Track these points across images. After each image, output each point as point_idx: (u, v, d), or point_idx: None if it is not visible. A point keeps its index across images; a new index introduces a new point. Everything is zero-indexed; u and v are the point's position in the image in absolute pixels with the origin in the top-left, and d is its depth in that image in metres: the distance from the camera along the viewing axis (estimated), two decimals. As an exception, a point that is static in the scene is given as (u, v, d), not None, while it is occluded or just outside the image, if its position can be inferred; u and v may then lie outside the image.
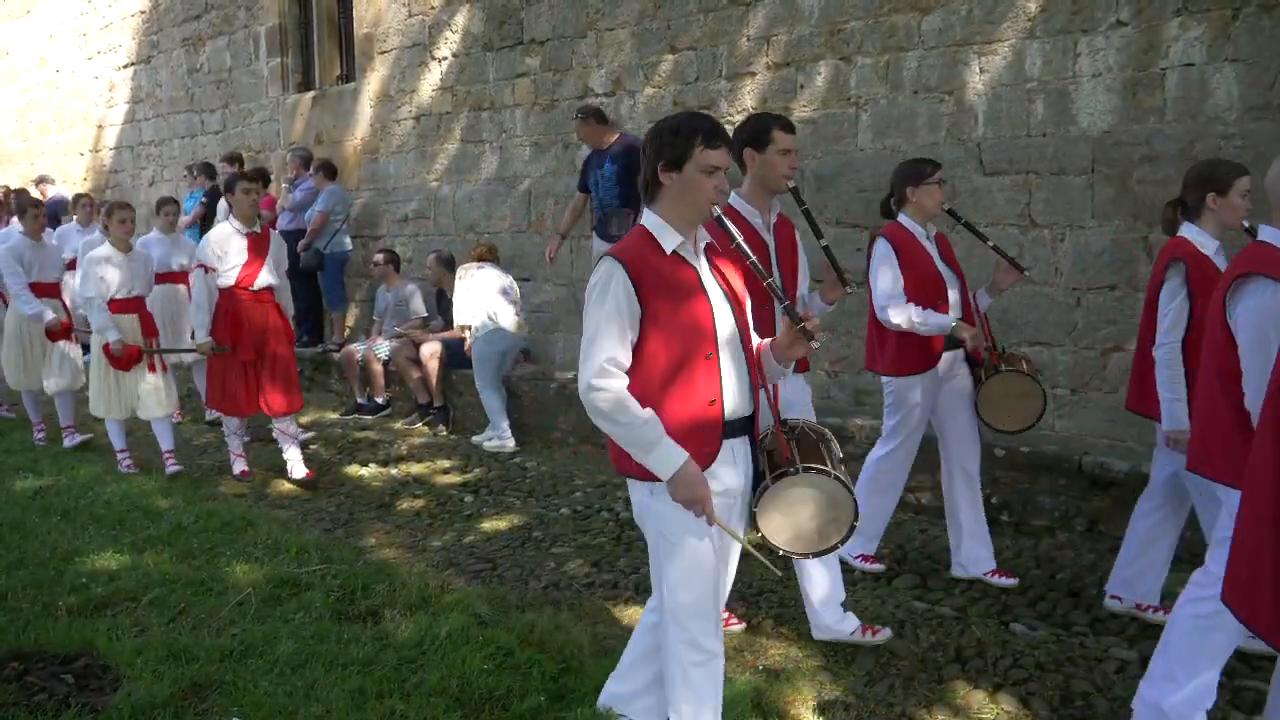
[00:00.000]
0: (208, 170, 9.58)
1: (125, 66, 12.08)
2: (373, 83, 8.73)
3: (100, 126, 12.73)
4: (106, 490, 5.64)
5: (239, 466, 6.06)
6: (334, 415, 7.73)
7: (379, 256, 7.94)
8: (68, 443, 6.79)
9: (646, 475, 2.47)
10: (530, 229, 7.52)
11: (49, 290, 6.83)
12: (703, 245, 2.55)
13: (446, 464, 6.32)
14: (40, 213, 6.97)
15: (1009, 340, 5.17)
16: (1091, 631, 3.65)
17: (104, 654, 3.51)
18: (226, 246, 5.74)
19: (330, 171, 8.50)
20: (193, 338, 7.08)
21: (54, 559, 4.49)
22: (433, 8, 8.07)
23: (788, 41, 5.87)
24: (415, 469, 6.23)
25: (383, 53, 8.58)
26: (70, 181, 12.91)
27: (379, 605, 3.92)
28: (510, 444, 6.61)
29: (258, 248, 5.82)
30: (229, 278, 5.74)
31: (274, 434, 6.13)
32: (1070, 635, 3.62)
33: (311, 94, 9.62)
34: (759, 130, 3.35)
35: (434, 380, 7.21)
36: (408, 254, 8.41)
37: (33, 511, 5.26)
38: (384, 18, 8.53)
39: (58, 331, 6.70)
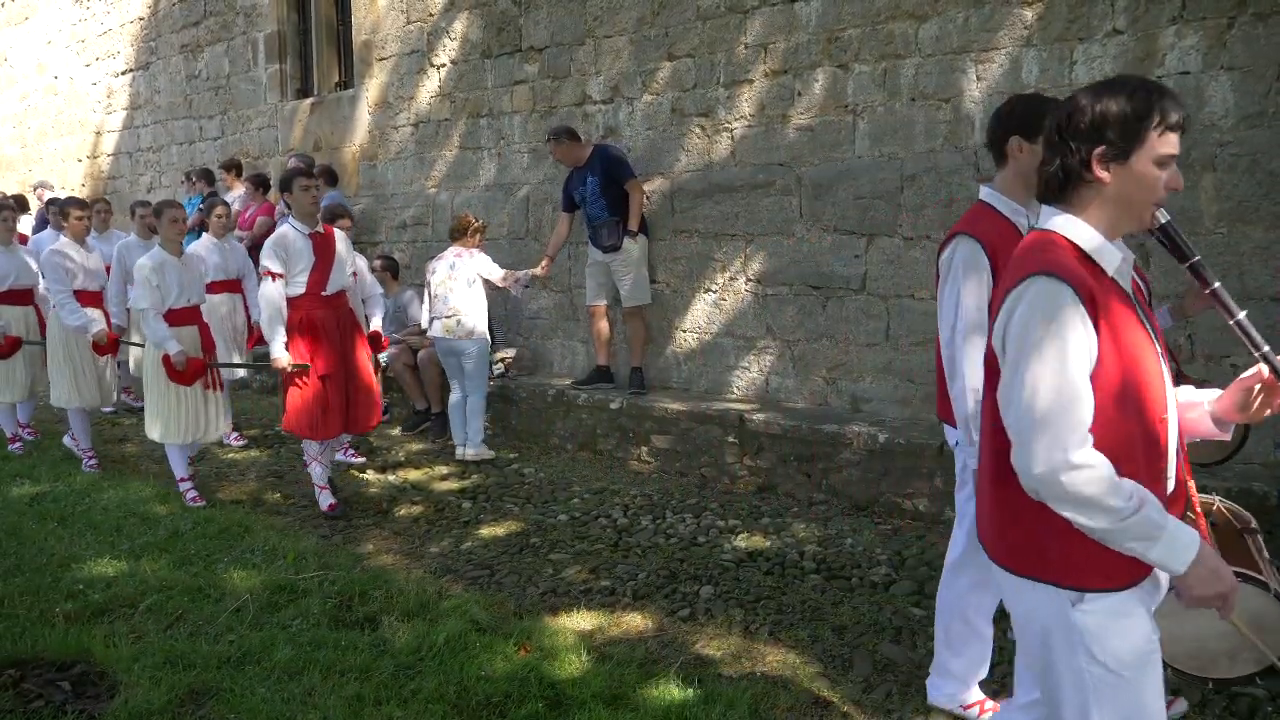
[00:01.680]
0: (206, 176, 9.59)
1: (124, 73, 12.10)
2: (371, 89, 8.75)
3: (98, 133, 12.75)
4: (104, 496, 5.64)
5: (326, 500, 5.44)
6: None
7: (376, 263, 7.93)
8: (80, 459, 6.45)
9: (1071, 578, 1.81)
10: (528, 235, 7.53)
11: (92, 299, 6.39)
12: (1129, 263, 1.89)
13: (444, 470, 6.32)
14: (86, 215, 6.51)
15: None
16: (1089, 638, 3.65)
17: (101, 661, 3.51)
18: (290, 250, 5.23)
19: (330, 178, 8.50)
20: (242, 352, 6.81)
21: (51, 565, 4.49)
22: (431, 15, 8.09)
23: (785, 49, 5.89)
24: (413, 475, 6.22)
25: (381, 59, 8.60)
26: (69, 187, 12.91)
27: (376, 612, 3.93)
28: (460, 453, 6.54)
29: (324, 249, 5.32)
30: (299, 284, 5.26)
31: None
32: (1068, 642, 3.61)
33: (310, 100, 9.64)
34: (1033, 115, 2.75)
35: (432, 387, 7.21)
36: (406, 260, 8.41)
37: (29, 518, 5.26)
38: (383, 25, 8.55)
39: (105, 345, 6.24)
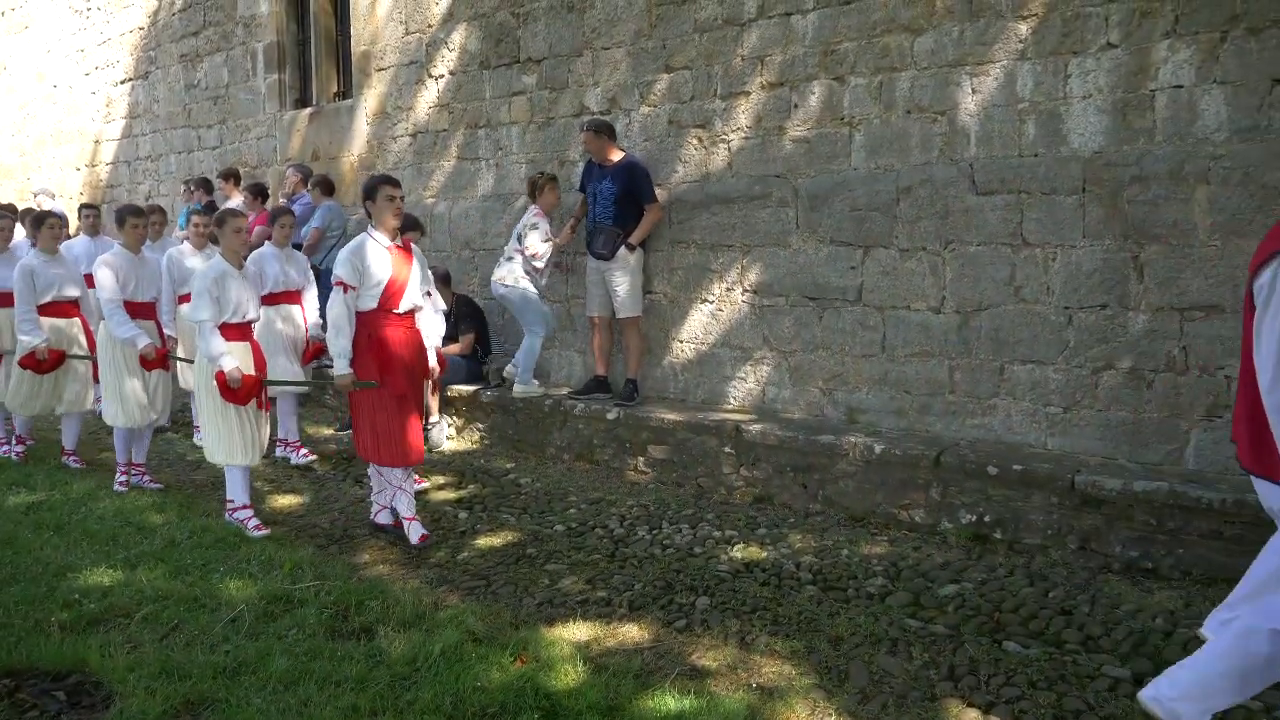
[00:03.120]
0: (205, 185, 9.61)
1: (123, 82, 12.13)
2: (370, 100, 8.78)
3: (97, 141, 12.77)
4: (99, 506, 5.63)
5: (417, 531, 5.00)
6: (329, 431, 7.72)
7: None
8: (137, 480, 6.12)
9: None
10: (526, 246, 7.54)
11: (145, 310, 6.03)
12: None
13: (441, 480, 6.32)
14: (141, 223, 6.09)
15: (1002, 359, 5.21)
16: (1084, 649, 3.66)
17: (96, 671, 3.51)
18: (368, 261, 4.87)
19: (327, 188, 8.52)
20: (306, 365, 6.49)
21: (46, 575, 4.48)
22: (430, 26, 8.12)
23: (782, 61, 5.93)
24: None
25: (380, 70, 8.64)
26: (67, 196, 12.93)
27: (373, 622, 3.93)
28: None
29: (402, 263, 4.99)
30: (371, 298, 4.91)
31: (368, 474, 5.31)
32: (1063, 653, 3.63)
33: (309, 110, 9.66)
34: None
35: (429, 396, 7.21)
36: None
37: (25, 527, 5.26)
38: (381, 35, 8.58)
39: (154, 360, 5.89)
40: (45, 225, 6.40)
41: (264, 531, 5.13)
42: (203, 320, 5.06)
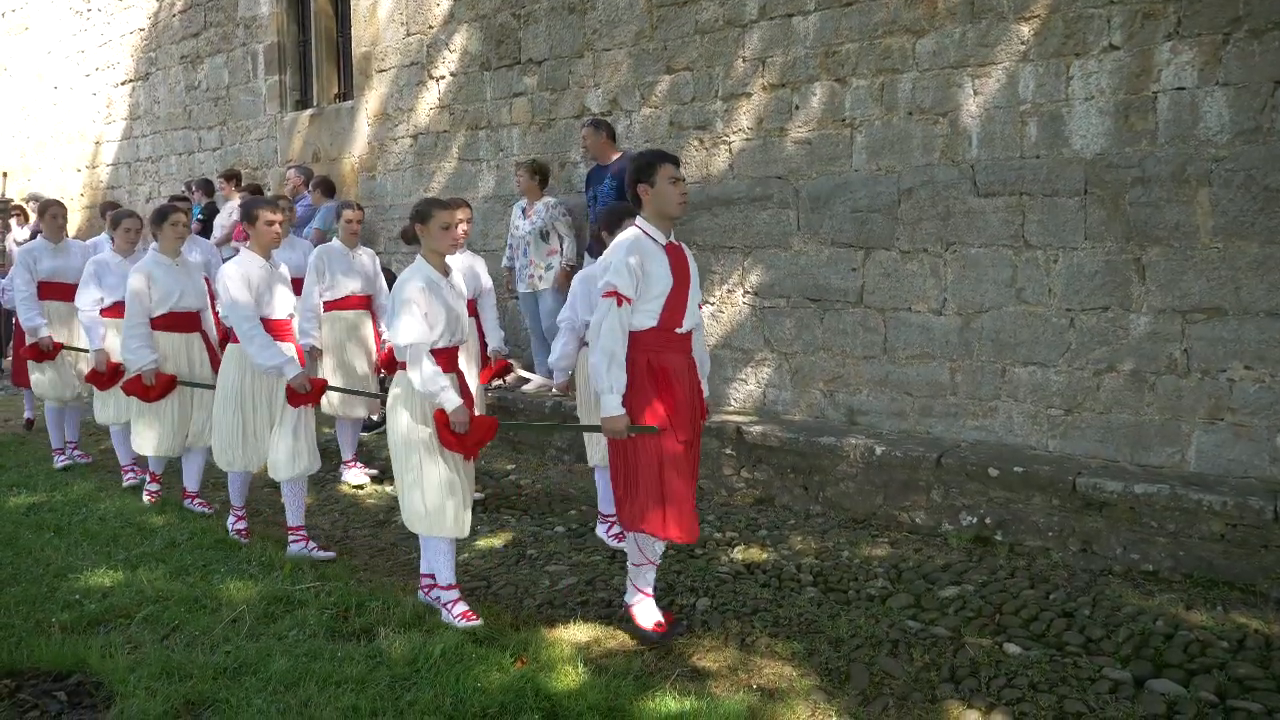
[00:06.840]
0: (206, 187, 9.62)
1: (123, 83, 12.14)
2: (371, 101, 8.78)
3: (98, 143, 12.78)
4: (100, 507, 5.63)
5: (652, 616, 3.85)
6: (329, 431, 7.70)
7: None
8: (296, 548, 4.85)
9: None
10: (526, 247, 7.54)
11: (280, 330, 4.82)
12: None
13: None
14: (276, 220, 4.80)
15: (1003, 361, 5.21)
16: (1085, 652, 3.66)
17: (97, 671, 3.51)
18: (649, 264, 3.66)
19: (327, 189, 8.52)
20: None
21: (47, 575, 4.48)
22: (431, 28, 8.13)
23: (783, 63, 5.93)
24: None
25: (381, 71, 8.64)
26: (68, 197, 12.93)
27: (373, 623, 3.92)
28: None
29: (681, 267, 3.76)
30: (649, 314, 3.70)
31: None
32: (1064, 655, 3.62)
33: (309, 112, 9.67)
34: None
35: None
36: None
37: (26, 528, 5.25)
38: (382, 37, 8.59)
39: (308, 393, 4.72)
40: (169, 223, 5.36)
41: (474, 621, 3.90)
42: (413, 344, 3.83)
